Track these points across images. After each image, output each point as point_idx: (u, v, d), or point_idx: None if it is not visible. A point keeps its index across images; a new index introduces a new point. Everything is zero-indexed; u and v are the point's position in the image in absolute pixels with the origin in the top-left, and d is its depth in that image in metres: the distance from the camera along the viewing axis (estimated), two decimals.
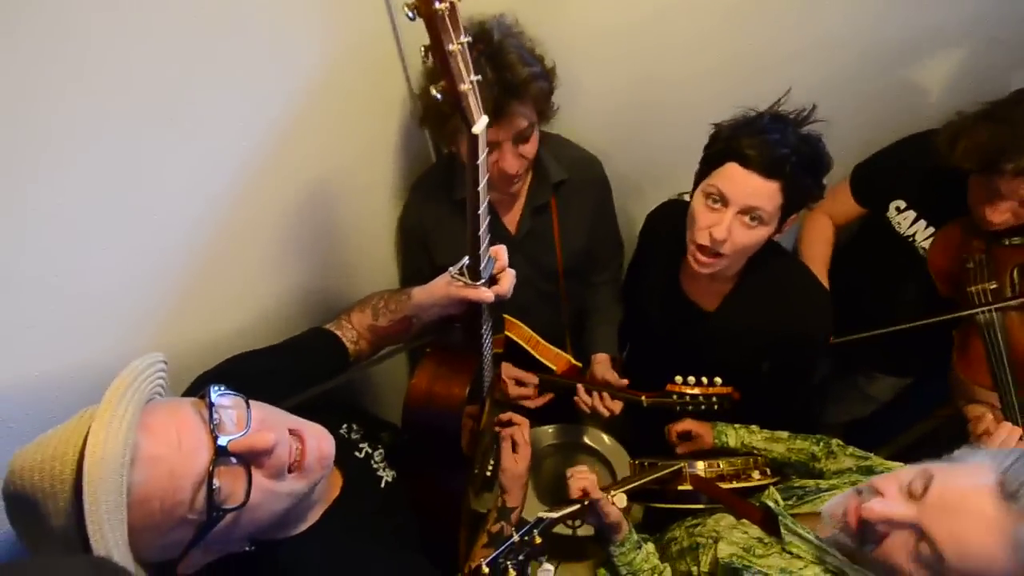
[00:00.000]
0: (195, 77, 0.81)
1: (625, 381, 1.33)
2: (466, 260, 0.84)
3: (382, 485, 0.88)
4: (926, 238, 1.37)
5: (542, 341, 1.39)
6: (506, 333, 1.38)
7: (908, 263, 1.39)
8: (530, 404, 1.37)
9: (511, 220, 1.31)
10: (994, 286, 1.24)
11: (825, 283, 1.43)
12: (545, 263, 1.36)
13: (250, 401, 0.65)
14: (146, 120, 0.76)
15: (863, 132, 1.47)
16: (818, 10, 1.29)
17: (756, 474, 1.20)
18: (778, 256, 1.22)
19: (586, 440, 1.66)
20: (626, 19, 1.30)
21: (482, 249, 0.81)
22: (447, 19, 0.60)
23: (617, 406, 1.30)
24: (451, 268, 0.85)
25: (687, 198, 1.19)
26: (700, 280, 1.26)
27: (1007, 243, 1.24)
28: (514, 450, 1.10)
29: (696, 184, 1.13)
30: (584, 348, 1.47)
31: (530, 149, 1.16)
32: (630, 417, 1.46)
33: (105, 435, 0.53)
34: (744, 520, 1.01)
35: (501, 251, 0.89)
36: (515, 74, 1.04)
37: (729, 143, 1.03)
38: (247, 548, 0.66)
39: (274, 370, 0.83)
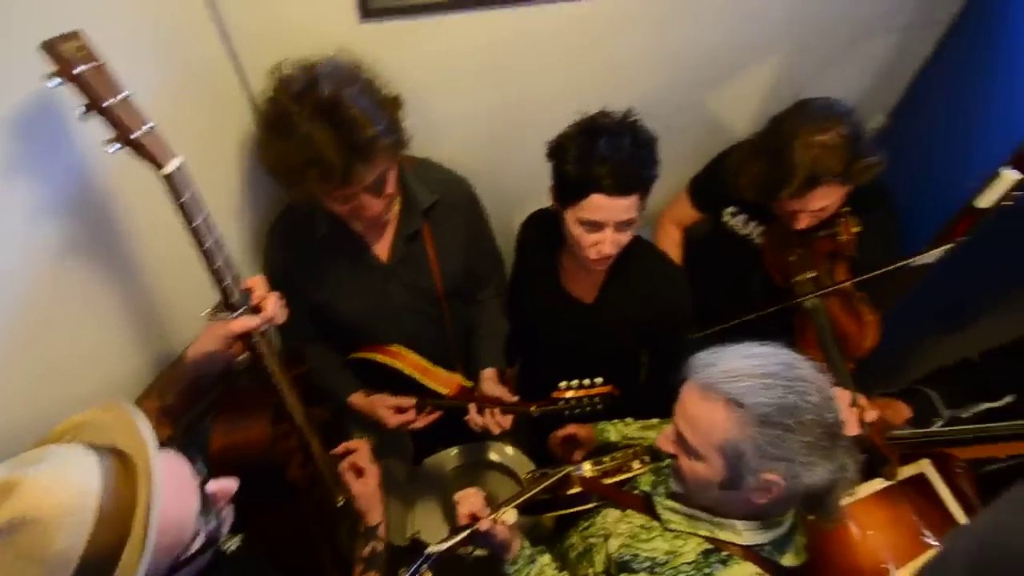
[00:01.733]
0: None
1: (515, 397, 1.34)
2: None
3: (228, 555, 0.84)
4: (760, 235, 1.51)
5: (430, 367, 1.38)
6: (393, 363, 1.36)
7: (751, 259, 1.52)
8: (416, 426, 1.36)
9: (382, 249, 1.29)
10: (813, 275, 1.38)
11: None
12: (424, 287, 1.35)
13: None
14: None
15: (699, 141, 1.60)
16: (651, 30, 1.38)
17: (636, 464, 1.25)
18: (635, 242, 1.30)
19: (491, 456, 1.68)
20: (476, 49, 1.32)
21: (226, 283, 0.83)
22: (95, 78, 0.66)
23: (507, 421, 1.31)
24: (203, 312, 0.87)
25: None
26: (578, 275, 1.35)
27: (817, 235, 1.36)
28: (360, 475, 1.10)
29: (560, 205, 1.19)
30: (471, 365, 1.48)
31: (391, 187, 1.14)
32: (530, 428, 1.49)
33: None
34: (628, 510, 1.06)
35: (257, 281, 0.91)
36: (358, 136, 0.99)
37: (584, 177, 1.09)
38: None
39: None
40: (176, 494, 0.65)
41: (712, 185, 1.53)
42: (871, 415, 1.18)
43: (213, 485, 0.70)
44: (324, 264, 1.27)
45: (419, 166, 1.31)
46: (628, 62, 1.43)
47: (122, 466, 0.62)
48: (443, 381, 1.38)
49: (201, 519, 0.68)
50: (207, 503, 0.69)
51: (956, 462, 1.28)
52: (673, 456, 0.93)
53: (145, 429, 0.65)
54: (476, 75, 1.37)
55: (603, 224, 1.12)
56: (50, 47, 0.65)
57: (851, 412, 1.15)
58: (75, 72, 0.65)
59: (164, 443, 0.90)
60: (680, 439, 0.90)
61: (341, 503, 1.18)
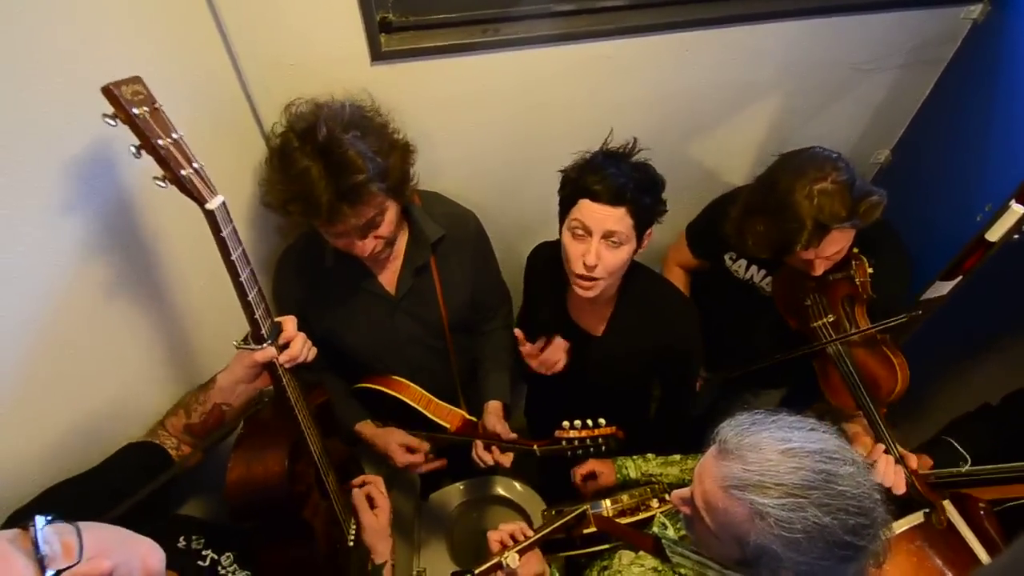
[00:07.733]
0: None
1: (513, 435, 1.32)
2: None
3: None
4: (763, 279, 1.49)
5: (434, 399, 1.38)
6: (397, 395, 1.36)
7: (755, 302, 1.52)
8: (422, 470, 1.35)
9: (389, 281, 1.31)
10: (832, 319, 1.34)
11: None
12: (430, 320, 1.36)
13: (82, 526, 0.59)
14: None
15: (699, 180, 1.63)
16: (652, 72, 1.44)
17: (655, 502, 1.23)
18: (642, 274, 1.32)
19: (498, 491, 1.65)
20: (485, 89, 1.38)
21: (258, 314, 0.84)
22: (151, 120, 0.69)
23: (507, 459, 1.30)
24: (234, 341, 0.88)
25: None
26: (585, 307, 1.35)
27: (831, 279, 1.32)
28: (372, 506, 1.08)
29: (561, 224, 1.22)
30: (477, 397, 1.46)
31: (385, 230, 1.16)
32: (538, 464, 1.47)
33: None
34: (642, 552, 1.03)
35: (288, 320, 0.92)
36: (347, 179, 1.02)
37: (577, 183, 1.14)
38: None
39: (88, 493, 0.78)
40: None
41: (708, 233, 1.52)
42: (913, 462, 1.15)
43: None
44: (331, 294, 1.29)
45: (427, 200, 1.34)
46: (630, 102, 1.47)
47: None
48: (446, 415, 1.37)
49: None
50: None
51: (978, 503, 1.23)
52: (687, 516, 0.88)
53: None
54: (484, 114, 1.42)
55: (589, 230, 1.13)
56: (110, 90, 0.68)
57: (899, 470, 1.13)
58: (133, 114, 0.68)
59: (187, 463, 0.92)
60: (696, 511, 0.83)
61: (352, 542, 1.16)
